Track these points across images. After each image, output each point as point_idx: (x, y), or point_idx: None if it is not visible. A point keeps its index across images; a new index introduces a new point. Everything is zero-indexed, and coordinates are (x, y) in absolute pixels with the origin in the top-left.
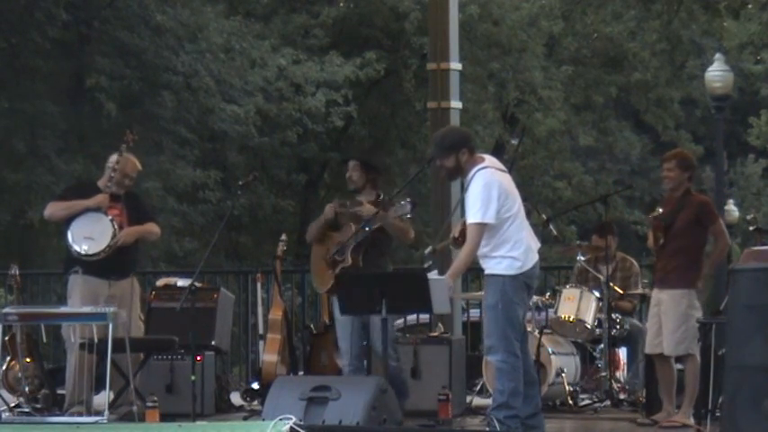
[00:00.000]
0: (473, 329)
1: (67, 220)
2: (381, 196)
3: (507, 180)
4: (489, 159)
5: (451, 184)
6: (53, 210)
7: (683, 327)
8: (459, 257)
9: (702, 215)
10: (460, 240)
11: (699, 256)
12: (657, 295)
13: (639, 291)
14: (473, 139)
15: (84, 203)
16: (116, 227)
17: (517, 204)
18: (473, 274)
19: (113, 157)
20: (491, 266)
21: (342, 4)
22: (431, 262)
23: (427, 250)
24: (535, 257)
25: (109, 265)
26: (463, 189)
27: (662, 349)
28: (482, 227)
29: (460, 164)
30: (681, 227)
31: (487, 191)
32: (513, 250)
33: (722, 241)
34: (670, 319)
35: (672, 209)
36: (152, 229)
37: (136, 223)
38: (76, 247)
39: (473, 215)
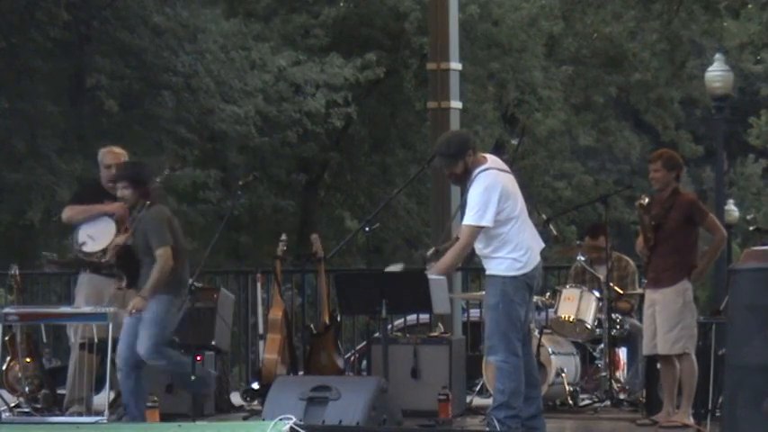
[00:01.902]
0: (473, 329)
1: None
2: (146, 203)
3: (510, 181)
4: (492, 159)
5: (452, 184)
6: (72, 213)
7: (679, 326)
8: (446, 256)
9: (692, 213)
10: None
11: (692, 254)
12: (651, 296)
13: (639, 291)
14: (474, 138)
15: (102, 209)
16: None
17: (519, 206)
18: (473, 274)
19: (100, 156)
20: (492, 267)
21: (342, 5)
22: (432, 264)
23: (429, 252)
24: (537, 259)
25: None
26: (463, 192)
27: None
28: (477, 229)
29: (468, 167)
30: (671, 227)
31: (488, 194)
32: (513, 252)
33: (718, 234)
34: (665, 319)
35: (661, 209)
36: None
37: None
38: (74, 240)
39: (470, 217)
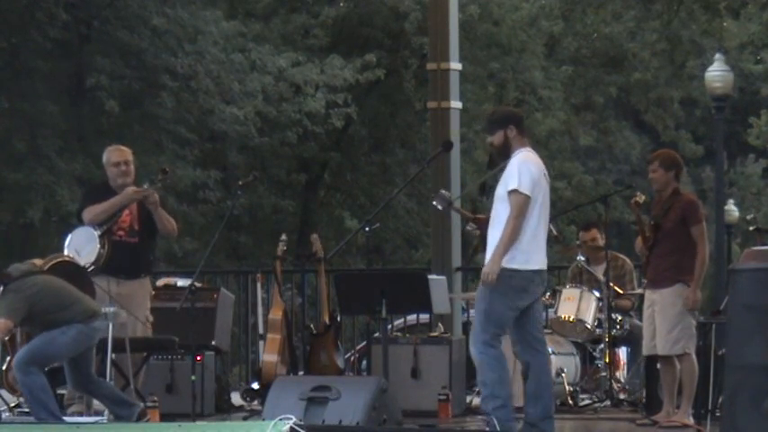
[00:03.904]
0: None
1: (71, 227)
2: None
3: (545, 183)
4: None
5: (452, 184)
6: (92, 214)
7: (679, 326)
8: (502, 236)
9: (687, 214)
10: (479, 221)
11: (691, 255)
12: (650, 296)
13: (639, 290)
14: (523, 119)
15: (117, 202)
16: (102, 252)
17: (536, 209)
18: (473, 273)
19: (105, 156)
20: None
21: (342, 4)
22: (439, 207)
23: (446, 192)
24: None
25: (120, 263)
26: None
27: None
28: (525, 197)
29: (509, 140)
30: (670, 227)
31: (526, 165)
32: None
33: (701, 249)
34: (665, 320)
35: (661, 209)
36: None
37: (147, 221)
38: (66, 252)
39: (511, 183)
